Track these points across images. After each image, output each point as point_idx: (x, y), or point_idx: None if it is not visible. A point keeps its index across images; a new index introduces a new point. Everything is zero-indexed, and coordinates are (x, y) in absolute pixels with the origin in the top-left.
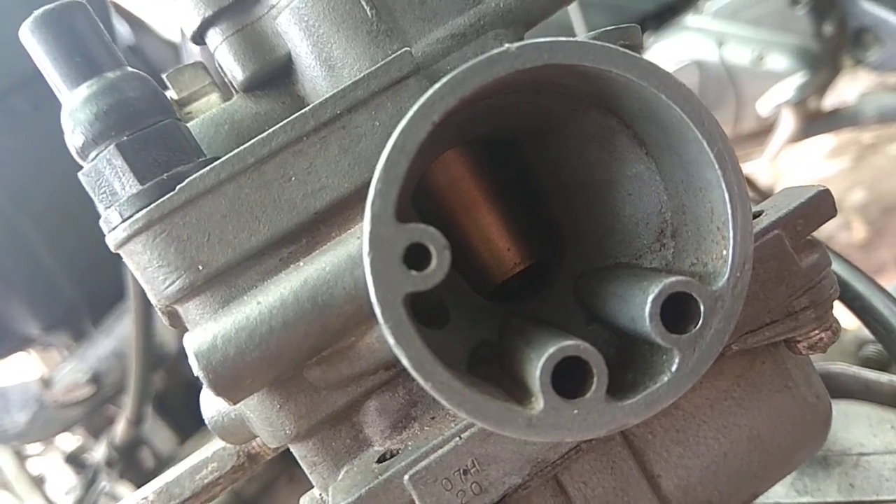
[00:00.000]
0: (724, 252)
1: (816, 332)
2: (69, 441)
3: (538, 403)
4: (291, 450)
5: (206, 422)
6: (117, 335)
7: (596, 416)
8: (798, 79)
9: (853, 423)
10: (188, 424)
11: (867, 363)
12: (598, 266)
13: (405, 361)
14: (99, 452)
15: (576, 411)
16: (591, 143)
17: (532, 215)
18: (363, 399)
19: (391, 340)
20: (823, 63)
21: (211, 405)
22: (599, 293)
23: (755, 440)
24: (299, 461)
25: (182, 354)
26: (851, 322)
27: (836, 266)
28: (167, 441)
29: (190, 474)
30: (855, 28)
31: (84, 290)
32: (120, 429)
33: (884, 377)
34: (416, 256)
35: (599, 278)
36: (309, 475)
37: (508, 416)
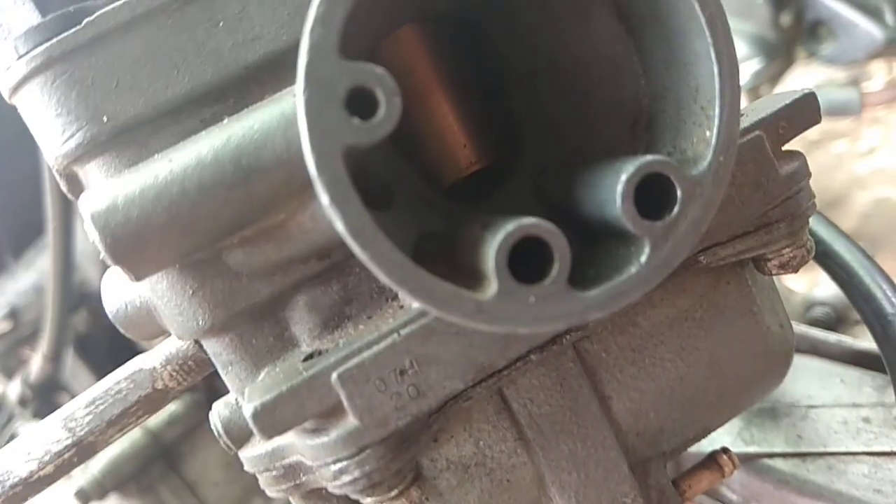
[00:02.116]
0: (707, 134)
1: (789, 249)
2: None
3: (491, 287)
4: (205, 347)
5: (109, 314)
6: (38, 269)
7: (554, 305)
8: (753, 65)
9: (802, 376)
10: (109, 370)
11: (815, 324)
12: (562, 161)
13: (340, 225)
14: (12, 392)
15: (532, 298)
16: (567, 19)
17: (492, 110)
18: (291, 292)
19: (326, 198)
20: (779, 53)
21: (115, 294)
22: (564, 184)
23: (714, 366)
24: (213, 360)
25: None
26: (799, 284)
27: None
28: (87, 386)
29: (97, 404)
30: (811, 20)
31: (6, 223)
32: (35, 365)
33: (831, 336)
34: (359, 104)
35: (564, 171)
36: (223, 377)
37: (457, 299)
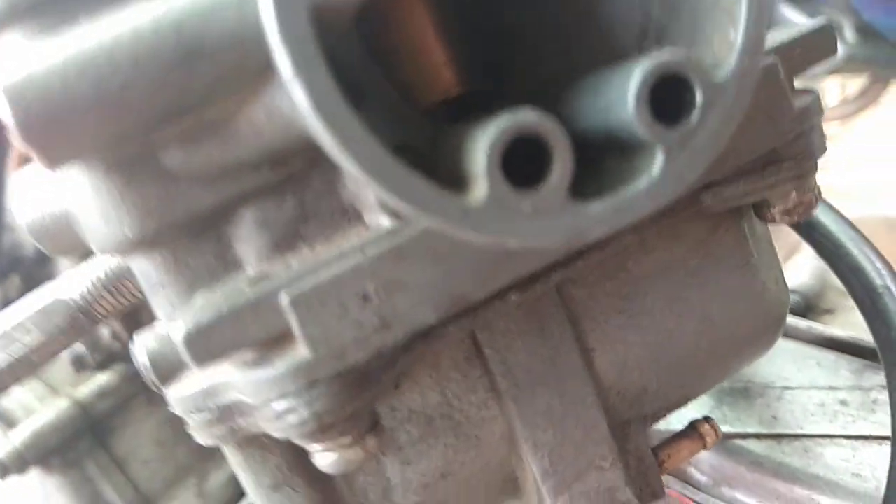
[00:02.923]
0: (732, 34)
1: (795, 193)
2: None
3: (480, 190)
4: (131, 266)
5: (22, 223)
6: None
7: (553, 215)
8: None
9: (777, 357)
10: None
11: None
12: (559, 81)
13: (303, 100)
14: None
15: (528, 205)
16: None
17: (481, 26)
18: (237, 203)
19: (288, 65)
20: None
21: (29, 199)
22: (562, 95)
23: (706, 321)
24: (141, 283)
25: (40, 259)
26: None
27: None
28: None
29: (3, 339)
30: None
31: None
32: None
33: (802, 323)
34: None
35: (563, 88)
36: (150, 301)
37: (440, 200)
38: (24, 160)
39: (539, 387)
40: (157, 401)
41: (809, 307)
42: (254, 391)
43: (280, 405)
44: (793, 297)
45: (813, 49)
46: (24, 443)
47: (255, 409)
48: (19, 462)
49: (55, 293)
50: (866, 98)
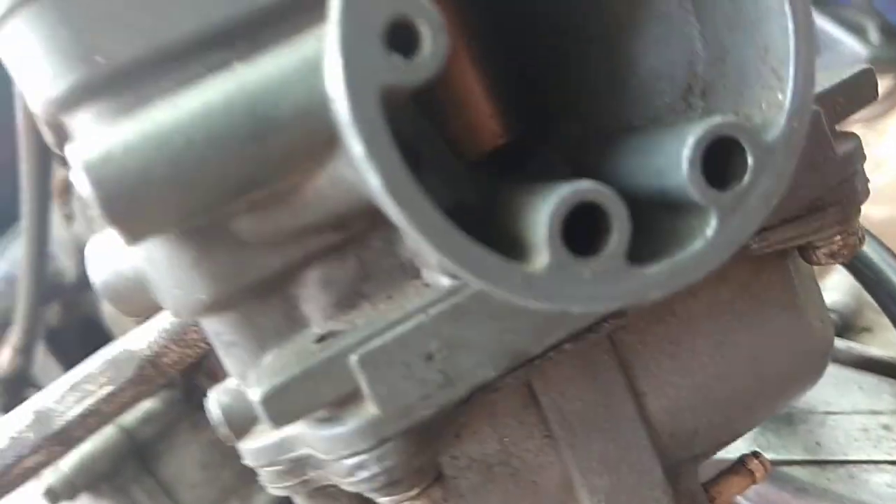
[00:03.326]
0: (780, 96)
1: (840, 237)
2: None
3: (541, 258)
4: (204, 326)
5: (96, 286)
6: (9, 258)
7: (612, 281)
8: None
9: (818, 382)
10: None
11: None
12: (603, 131)
13: (375, 181)
14: None
15: (588, 272)
16: None
17: (522, 75)
18: (303, 265)
19: (359, 146)
20: None
21: (103, 263)
22: (610, 152)
23: (753, 363)
24: (212, 341)
25: (80, 286)
26: None
27: None
28: None
29: (75, 391)
30: None
31: None
32: (4, 358)
33: (841, 343)
34: (399, 39)
35: (608, 139)
36: (223, 359)
37: (503, 270)
38: (65, 188)
39: (594, 432)
40: (201, 425)
41: (847, 326)
42: (326, 447)
43: (351, 461)
44: (832, 315)
45: (855, 96)
46: (73, 469)
47: (326, 463)
48: (69, 488)
49: (124, 345)
50: (892, 99)
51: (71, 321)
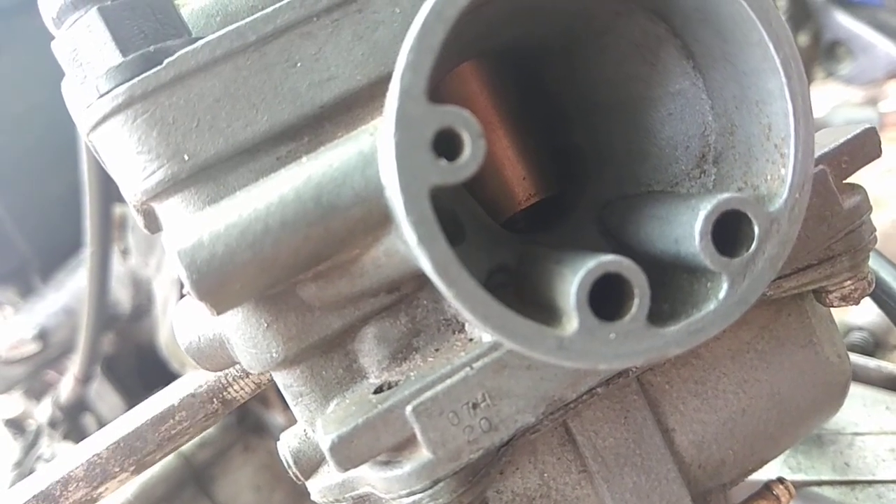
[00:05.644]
0: (782, 171)
1: (850, 282)
2: (8, 407)
3: (571, 324)
4: (275, 378)
5: (182, 346)
6: (69, 290)
7: (635, 341)
8: None
9: (847, 403)
10: (136, 391)
11: (852, 349)
12: (627, 195)
13: (427, 265)
14: (41, 414)
15: (613, 335)
16: (633, 54)
17: (551, 142)
18: (360, 324)
19: (413, 238)
20: None
21: (188, 326)
22: (632, 218)
23: (774, 398)
24: (283, 392)
25: (135, 316)
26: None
27: None
28: (114, 408)
29: (153, 425)
30: (829, 41)
31: (35, 244)
32: (66, 387)
33: (871, 362)
34: (444, 145)
35: (631, 205)
36: (293, 408)
37: (539, 336)
38: (122, 224)
39: (626, 467)
40: (253, 448)
41: (878, 344)
42: (385, 487)
43: (408, 500)
44: (861, 335)
45: (859, 154)
46: (134, 493)
47: (386, 501)
48: None
49: (197, 379)
50: None
51: (126, 350)
